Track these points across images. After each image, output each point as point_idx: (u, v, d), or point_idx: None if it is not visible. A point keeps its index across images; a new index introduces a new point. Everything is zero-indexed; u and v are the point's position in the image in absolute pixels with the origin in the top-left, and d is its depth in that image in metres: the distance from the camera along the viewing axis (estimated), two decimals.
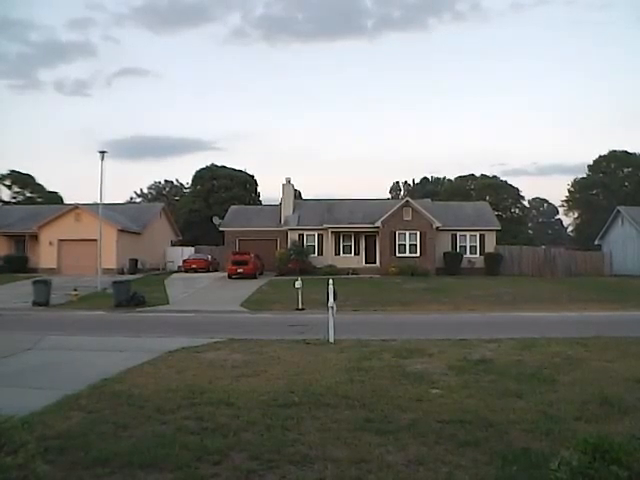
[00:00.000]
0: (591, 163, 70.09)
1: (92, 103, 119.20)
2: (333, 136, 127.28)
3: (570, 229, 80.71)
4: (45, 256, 39.10)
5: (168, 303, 25.08)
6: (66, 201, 58.97)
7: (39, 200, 61.02)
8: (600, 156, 69.08)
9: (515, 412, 6.86)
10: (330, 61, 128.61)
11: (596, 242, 47.92)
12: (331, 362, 10.24)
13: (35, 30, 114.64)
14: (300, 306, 22.41)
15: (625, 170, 68.03)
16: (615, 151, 68.19)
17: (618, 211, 44.75)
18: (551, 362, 10.04)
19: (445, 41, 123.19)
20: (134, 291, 24.23)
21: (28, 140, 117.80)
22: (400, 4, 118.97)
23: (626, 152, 67.41)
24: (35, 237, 39.99)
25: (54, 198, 61.41)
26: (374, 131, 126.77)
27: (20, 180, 65.02)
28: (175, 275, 38.14)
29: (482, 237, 40.35)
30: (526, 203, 76.00)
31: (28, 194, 64.82)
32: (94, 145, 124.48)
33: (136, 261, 40.01)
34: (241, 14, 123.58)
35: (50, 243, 39.13)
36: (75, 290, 26.08)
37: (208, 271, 39.99)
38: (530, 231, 75.57)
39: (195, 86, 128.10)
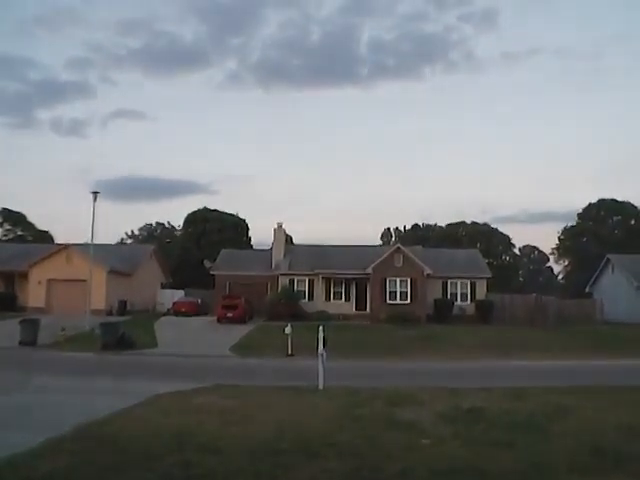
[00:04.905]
0: (580, 211, 71.04)
1: (87, 143, 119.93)
2: (326, 182, 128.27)
3: (560, 276, 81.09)
4: (34, 295, 38.72)
5: (156, 346, 24.77)
6: (57, 239, 59.10)
7: (30, 239, 60.95)
8: (590, 204, 70.02)
9: (506, 462, 6.77)
10: (324, 108, 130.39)
11: (587, 289, 48.19)
12: (321, 409, 10.11)
13: (33, 69, 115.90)
14: (290, 352, 22.19)
15: (615, 218, 68.88)
16: (604, 199, 69.18)
17: (608, 259, 45.16)
18: (542, 411, 9.96)
19: (437, 89, 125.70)
20: (122, 332, 23.92)
21: (21, 178, 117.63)
22: (395, 52, 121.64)
23: (615, 200, 68.39)
24: (24, 275, 39.66)
25: (45, 237, 61.38)
26: (366, 177, 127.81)
27: (11, 218, 65.05)
28: (164, 318, 37.72)
29: (473, 284, 40.43)
30: (517, 250, 76.59)
31: (19, 232, 64.78)
32: (87, 185, 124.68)
33: (125, 302, 39.73)
34: (237, 60, 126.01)
35: (39, 282, 38.87)
36: (63, 330, 25.73)
37: (198, 314, 39.66)
38: (521, 278, 75.84)
39: (190, 129, 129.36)
